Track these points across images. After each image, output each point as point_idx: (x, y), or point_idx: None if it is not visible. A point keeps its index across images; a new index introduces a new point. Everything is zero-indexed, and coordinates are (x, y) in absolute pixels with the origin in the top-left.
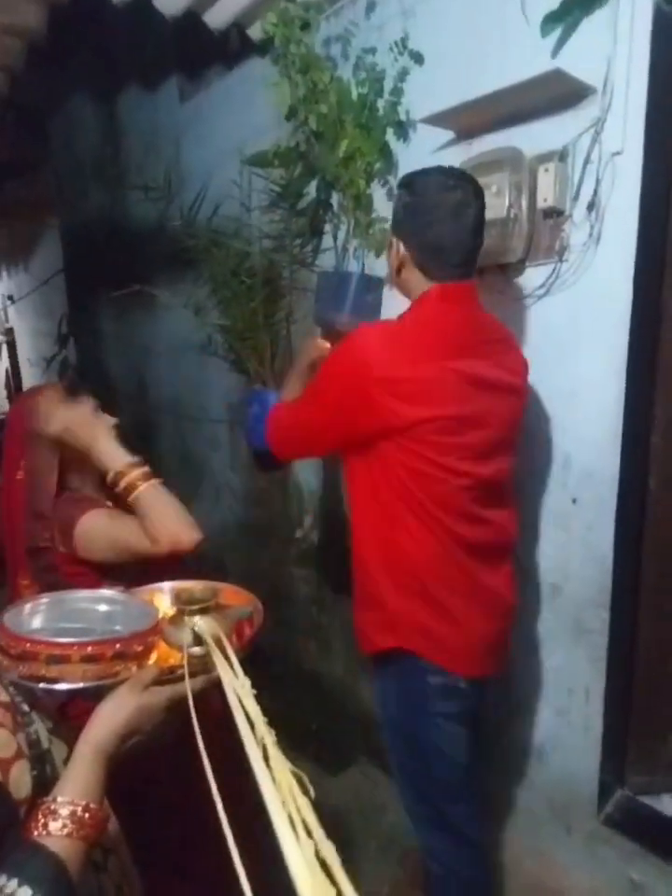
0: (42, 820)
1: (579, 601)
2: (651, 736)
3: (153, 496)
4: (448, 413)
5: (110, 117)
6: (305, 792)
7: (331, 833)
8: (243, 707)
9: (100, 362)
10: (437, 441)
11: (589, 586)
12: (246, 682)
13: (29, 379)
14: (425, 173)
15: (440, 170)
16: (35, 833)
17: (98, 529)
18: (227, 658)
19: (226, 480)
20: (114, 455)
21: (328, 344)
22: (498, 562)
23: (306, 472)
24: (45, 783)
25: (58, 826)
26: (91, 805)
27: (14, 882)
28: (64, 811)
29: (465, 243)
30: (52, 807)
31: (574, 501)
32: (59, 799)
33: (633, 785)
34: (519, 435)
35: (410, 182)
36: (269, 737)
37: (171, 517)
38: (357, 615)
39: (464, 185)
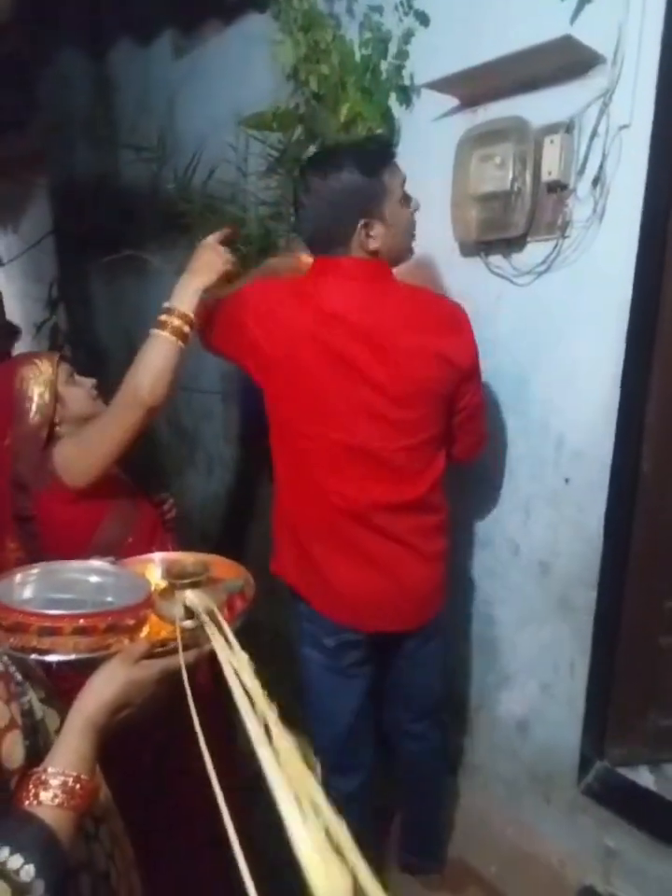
0: (33, 791)
1: (567, 579)
2: (632, 711)
3: (159, 345)
4: (304, 356)
5: (101, 72)
6: (311, 768)
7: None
8: (240, 681)
9: (91, 329)
10: (290, 395)
11: (577, 565)
12: (243, 656)
13: (19, 345)
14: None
15: (303, 166)
16: (27, 802)
17: (67, 446)
18: (222, 632)
19: (218, 451)
20: (181, 296)
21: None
22: (379, 531)
23: None
24: (38, 753)
25: (48, 796)
26: (82, 776)
27: (5, 850)
28: (55, 782)
29: (307, 232)
30: (43, 778)
31: (566, 481)
32: (49, 770)
33: (612, 757)
34: (401, 416)
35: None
36: (271, 714)
37: (150, 370)
38: None
39: (301, 182)
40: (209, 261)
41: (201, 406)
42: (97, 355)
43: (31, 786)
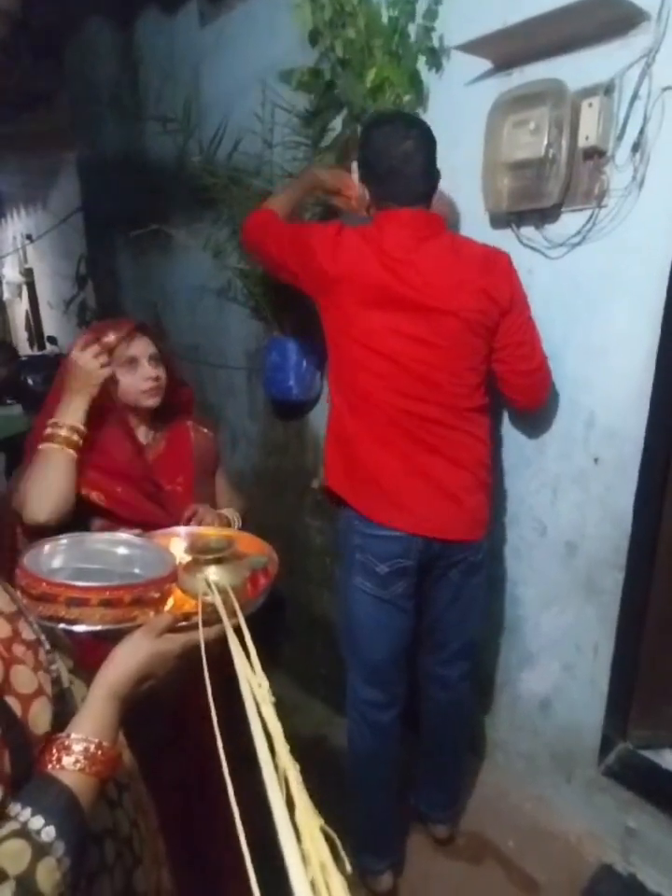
0: (56, 755)
1: (593, 560)
2: (657, 694)
3: (48, 457)
4: (363, 283)
5: (127, 42)
6: (336, 855)
7: (336, 771)
8: (261, 718)
9: (119, 305)
10: (345, 317)
11: (604, 546)
12: (264, 681)
13: (49, 321)
14: (380, 123)
15: (393, 118)
16: (49, 766)
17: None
18: (237, 629)
19: (243, 428)
20: (65, 412)
21: (329, 182)
22: (427, 445)
23: (324, 423)
24: (64, 721)
25: (71, 761)
26: (104, 744)
27: (28, 811)
28: (78, 747)
29: (414, 185)
30: (66, 743)
31: (596, 461)
32: (73, 735)
33: (635, 739)
34: (446, 343)
35: (367, 134)
36: (292, 770)
37: (36, 485)
38: None
39: (414, 133)
40: (84, 377)
41: (226, 382)
42: None
43: (54, 750)
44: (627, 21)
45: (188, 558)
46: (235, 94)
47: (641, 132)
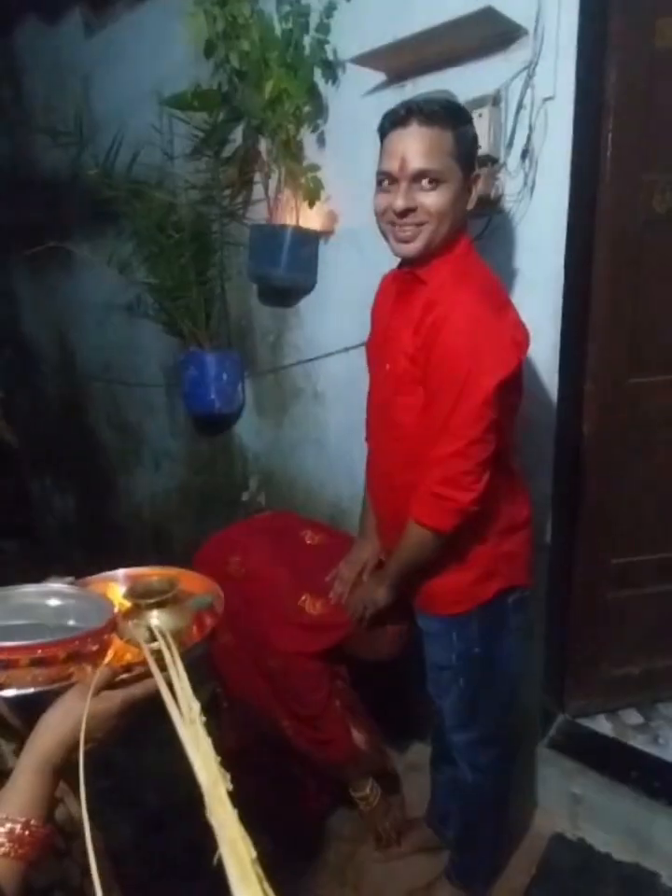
0: None
1: None
2: (587, 664)
3: None
4: None
5: (6, 49)
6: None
7: None
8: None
9: (17, 327)
10: None
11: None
12: (195, 704)
13: None
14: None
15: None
16: None
17: None
18: (173, 679)
19: (165, 446)
20: None
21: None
22: None
23: (249, 434)
24: None
25: None
26: (32, 823)
27: None
28: (2, 829)
29: None
30: None
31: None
32: None
33: (572, 709)
34: None
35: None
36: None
37: None
38: None
39: None
40: None
41: (142, 400)
42: (26, 353)
43: None
44: (507, 35)
45: (128, 604)
46: (130, 106)
47: (528, 139)
